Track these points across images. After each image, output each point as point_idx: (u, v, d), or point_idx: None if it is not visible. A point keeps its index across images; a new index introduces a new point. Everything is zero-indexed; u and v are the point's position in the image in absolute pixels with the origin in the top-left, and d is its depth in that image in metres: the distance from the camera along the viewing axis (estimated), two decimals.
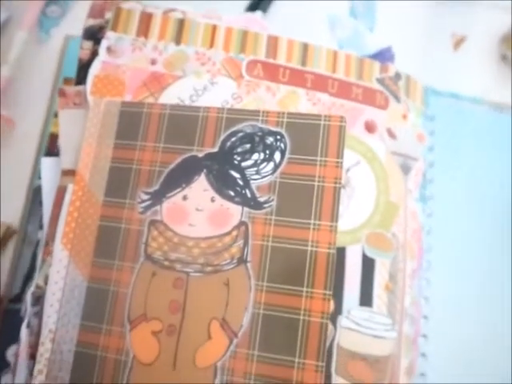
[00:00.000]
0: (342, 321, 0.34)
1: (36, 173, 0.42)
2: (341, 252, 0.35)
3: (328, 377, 0.33)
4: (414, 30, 0.45)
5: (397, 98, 0.39)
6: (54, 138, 0.38)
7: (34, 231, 0.41)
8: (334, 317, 0.34)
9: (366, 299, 0.35)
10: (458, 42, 0.47)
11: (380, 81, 0.39)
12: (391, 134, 0.38)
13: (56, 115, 0.39)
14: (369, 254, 0.36)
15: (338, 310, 0.34)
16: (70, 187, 0.33)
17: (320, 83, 0.37)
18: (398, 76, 0.40)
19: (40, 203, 0.37)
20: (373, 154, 0.37)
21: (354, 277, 0.35)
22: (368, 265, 0.36)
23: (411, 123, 0.39)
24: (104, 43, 0.36)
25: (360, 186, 0.36)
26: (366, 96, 0.38)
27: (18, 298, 0.40)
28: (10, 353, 0.37)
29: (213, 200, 0.31)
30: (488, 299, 0.40)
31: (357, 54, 0.39)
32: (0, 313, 0.40)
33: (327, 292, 0.30)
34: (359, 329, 0.34)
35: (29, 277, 0.40)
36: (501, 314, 0.39)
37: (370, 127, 0.38)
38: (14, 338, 0.34)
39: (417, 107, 0.40)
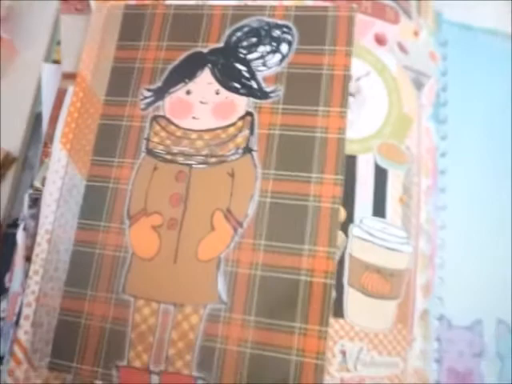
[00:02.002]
0: (354, 229, 0.32)
1: (37, 100, 0.41)
2: (351, 160, 0.33)
3: (340, 287, 0.31)
4: None
5: (408, 14, 0.38)
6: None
7: (34, 157, 0.40)
8: (345, 225, 0.32)
9: (379, 210, 0.33)
10: None
11: None
12: (402, 49, 0.37)
13: (58, 43, 0.38)
14: (381, 164, 0.34)
15: (350, 218, 0.32)
16: (71, 89, 0.32)
17: None
18: None
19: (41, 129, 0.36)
20: (383, 65, 0.36)
21: (365, 186, 0.33)
22: (380, 175, 0.34)
23: (423, 41, 0.38)
24: None
25: (371, 95, 0.35)
26: (376, 9, 0.37)
27: (17, 222, 0.38)
28: (8, 278, 0.35)
29: (217, 93, 0.30)
30: (506, 223, 0.37)
31: None
32: None
33: (338, 177, 0.28)
34: (372, 239, 0.32)
35: None
36: None
37: (380, 40, 0.36)
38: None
39: (429, 26, 0.39)
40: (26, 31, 0.43)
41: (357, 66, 0.35)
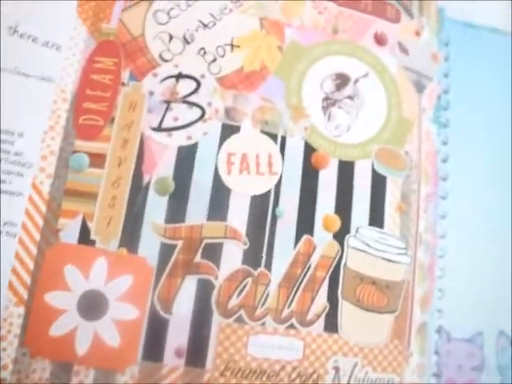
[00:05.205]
0: (350, 240, 0.31)
1: None
2: (349, 167, 0.32)
3: (334, 300, 0.30)
4: None
5: (409, 13, 0.36)
6: None
7: None
8: (341, 236, 0.31)
9: (376, 219, 0.32)
10: None
11: None
12: (403, 49, 0.35)
13: None
14: (379, 170, 0.32)
15: (346, 228, 0.31)
16: None
17: None
18: None
19: None
20: (383, 66, 0.34)
21: (362, 194, 0.32)
22: (378, 182, 0.32)
23: (425, 41, 0.36)
24: None
25: (369, 98, 0.33)
26: (376, 8, 0.35)
27: None
28: None
29: None
30: (508, 232, 0.36)
31: None
32: None
33: None
34: (369, 250, 0.31)
35: None
36: None
37: (379, 40, 0.35)
38: None
39: (431, 25, 0.37)
40: None
41: (355, 67, 0.34)
